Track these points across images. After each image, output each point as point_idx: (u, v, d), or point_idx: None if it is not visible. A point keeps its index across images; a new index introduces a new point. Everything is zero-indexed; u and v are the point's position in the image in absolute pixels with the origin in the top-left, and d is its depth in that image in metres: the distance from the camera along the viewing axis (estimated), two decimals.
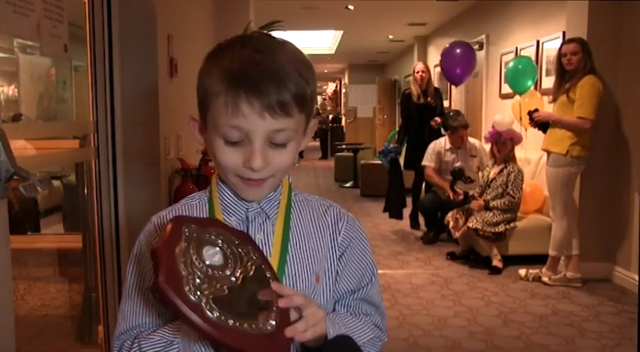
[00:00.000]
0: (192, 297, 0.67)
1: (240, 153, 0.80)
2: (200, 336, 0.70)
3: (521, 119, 4.29)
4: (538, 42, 4.96)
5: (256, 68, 0.77)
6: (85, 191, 2.27)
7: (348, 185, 8.97)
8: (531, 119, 3.79)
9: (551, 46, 4.67)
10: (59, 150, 2.11)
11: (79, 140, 2.19)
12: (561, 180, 3.61)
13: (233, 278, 0.73)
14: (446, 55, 5.36)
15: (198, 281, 0.69)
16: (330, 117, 15.61)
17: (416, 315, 3.28)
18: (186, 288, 0.68)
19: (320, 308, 0.80)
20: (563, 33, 4.18)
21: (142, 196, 2.32)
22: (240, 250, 0.77)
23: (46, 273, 2.63)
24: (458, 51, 5.25)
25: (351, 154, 9.27)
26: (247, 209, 0.88)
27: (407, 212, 5.61)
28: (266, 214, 0.88)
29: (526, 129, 4.39)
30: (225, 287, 0.71)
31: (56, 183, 2.61)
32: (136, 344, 0.83)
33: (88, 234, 2.26)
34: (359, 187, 8.19)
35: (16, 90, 2.53)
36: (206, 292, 0.69)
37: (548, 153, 3.69)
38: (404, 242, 5.17)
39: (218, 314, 0.68)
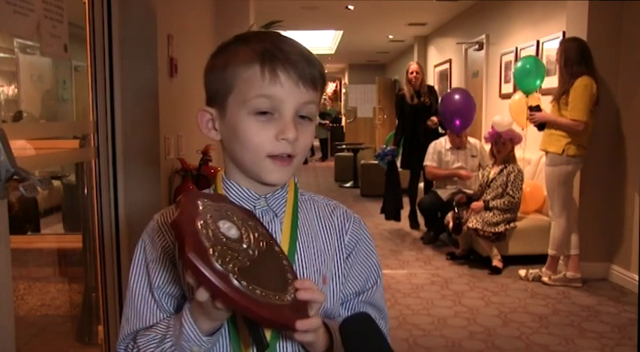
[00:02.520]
0: (219, 267, 0.67)
1: (270, 127, 0.80)
2: (228, 305, 0.69)
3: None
4: (538, 42, 4.96)
5: (288, 45, 0.82)
6: (85, 191, 2.27)
7: (348, 185, 8.97)
8: (531, 115, 3.80)
9: (551, 46, 4.67)
10: (59, 150, 2.10)
11: (79, 140, 2.19)
12: (558, 178, 3.63)
13: (250, 252, 0.73)
14: (445, 102, 5.13)
15: (222, 252, 0.69)
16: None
17: (416, 315, 3.28)
18: (213, 258, 0.67)
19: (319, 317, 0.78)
20: (563, 33, 4.18)
21: (142, 196, 2.32)
22: (250, 225, 0.77)
23: (46, 273, 2.63)
24: (457, 97, 5.03)
25: (351, 154, 9.27)
26: (254, 206, 0.87)
27: (406, 212, 5.61)
28: (274, 212, 0.87)
29: (523, 129, 4.39)
30: (245, 259, 0.72)
31: (56, 183, 2.61)
32: (134, 343, 0.83)
33: (88, 234, 2.26)
34: (359, 187, 8.19)
35: (16, 90, 2.54)
36: (231, 264, 0.69)
37: (546, 152, 3.70)
38: (404, 242, 5.17)
39: (245, 283, 0.68)
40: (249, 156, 0.82)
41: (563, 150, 3.55)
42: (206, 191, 0.92)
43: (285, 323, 0.70)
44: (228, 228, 0.74)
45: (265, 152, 0.81)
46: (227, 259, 0.69)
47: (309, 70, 0.81)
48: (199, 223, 0.70)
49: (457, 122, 4.83)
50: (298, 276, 0.84)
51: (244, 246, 0.73)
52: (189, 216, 0.71)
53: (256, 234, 0.77)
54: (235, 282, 0.67)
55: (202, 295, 0.69)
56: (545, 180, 3.78)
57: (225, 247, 0.70)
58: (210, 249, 0.68)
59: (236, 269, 0.69)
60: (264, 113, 0.80)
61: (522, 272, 3.94)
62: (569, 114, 3.50)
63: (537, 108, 3.81)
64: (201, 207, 0.73)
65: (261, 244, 0.76)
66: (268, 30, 0.95)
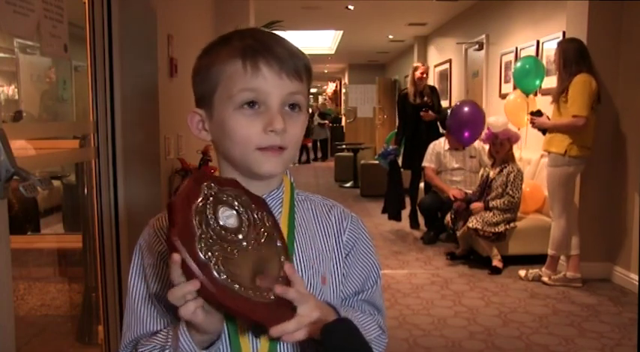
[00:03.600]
0: (202, 256, 0.67)
1: (258, 121, 0.80)
2: (204, 296, 0.68)
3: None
4: (538, 42, 4.96)
5: (270, 39, 0.83)
6: (85, 191, 2.27)
7: (348, 185, 8.97)
8: (532, 121, 3.80)
9: (551, 46, 4.67)
10: (59, 150, 2.10)
11: (79, 140, 2.19)
12: (559, 179, 3.62)
13: (244, 243, 0.72)
14: (454, 115, 4.95)
15: (210, 241, 0.69)
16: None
17: (416, 315, 3.28)
18: (198, 246, 0.67)
19: (317, 310, 0.76)
20: (563, 33, 4.18)
21: (142, 196, 2.32)
22: (255, 215, 0.76)
23: (46, 273, 2.63)
24: (466, 109, 4.89)
25: (351, 154, 9.27)
26: None
27: (406, 212, 5.62)
28: None
29: (519, 129, 4.39)
30: (235, 251, 0.71)
31: (56, 183, 2.61)
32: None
33: (88, 234, 2.26)
34: (359, 187, 8.19)
35: (16, 90, 2.54)
36: (216, 253, 0.68)
37: (548, 153, 3.70)
38: (404, 242, 5.17)
39: (225, 276, 0.68)
40: (239, 150, 0.82)
41: (566, 151, 3.54)
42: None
43: (260, 321, 0.70)
44: (228, 216, 0.72)
45: (254, 145, 0.81)
46: (214, 248, 0.68)
47: (292, 62, 0.82)
48: (195, 207, 0.70)
49: (466, 134, 4.77)
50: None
51: (240, 236, 0.72)
52: (187, 199, 0.70)
53: (259, 225, 0.75)
54: (215, 274, 0.67)
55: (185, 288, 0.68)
56: (546, 180, 3.78)
57: (216, 236, 0.70)
58: (198, 236, 0.68)
59: (220, 260, 0.68)
60: (250, 107, 0.80)
61: (522, 272, 3.93)
62: (570, 110, 3.49)
63: (538, 113, 3.79)
64: (203, 191, 0.72)
65: (261, 236, 0.74)
66: (254, 27, 0.95)
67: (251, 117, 0.80)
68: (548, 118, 3.77)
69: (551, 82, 4.39)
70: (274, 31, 0.88)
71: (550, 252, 3.79)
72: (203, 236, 0.68)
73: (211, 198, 0.72)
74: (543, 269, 3.84)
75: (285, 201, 0.89)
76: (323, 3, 6.95)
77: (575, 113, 3.46)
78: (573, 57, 3.54)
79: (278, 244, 0.77)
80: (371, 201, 7.27)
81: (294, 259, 0.85)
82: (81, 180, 2.33)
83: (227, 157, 0.86)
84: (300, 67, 0.83)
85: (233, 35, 0.84)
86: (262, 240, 0.75)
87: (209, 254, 0.68)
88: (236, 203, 0.75)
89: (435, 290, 3.75)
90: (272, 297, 0.71)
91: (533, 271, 3.87)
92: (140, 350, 0.82)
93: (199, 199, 0.71)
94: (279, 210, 0.88)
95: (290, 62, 0.81)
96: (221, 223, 0.72)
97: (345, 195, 8.03)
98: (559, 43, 3.72)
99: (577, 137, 3.53)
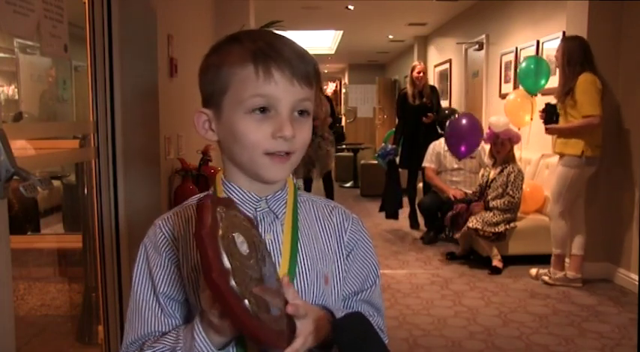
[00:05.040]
0: (237, 292, 0.67)
1: (267, 125, 0.80)
2: (236, 327, 0.70)
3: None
4: (538, 42, 4.96)
5: (280, 43, 0.82)
6: (85, 191, 2.27)
7: (348, 185, 8.98)
8: (546, 120, 3.75)
9: (551, 46, 4.67)
10: (59, 150, 2.10)
11: (79, 140, 2.19)
12: (570, 179, 3.59)
13: (256, 268, 0.73)
14: (452, 129, 4.85)
15: (240, 273, 0.69)
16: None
17: (416, 315, 3.28)
18: (233, 282, 0.68)
19: (312, 323, 0.78)
20: (563, 33, 4.18)
21: (142, 196, 2.32)
22: (253, 234, 0.77)
23: (46, 273, 2.63)
24: (464, 122, 4.79)
25: (351, 154, 9.27)
26: (255, 209, 0.86)
27: (406, 212, 5.62)
28: (274, 214, 0.87)
29: (519, 129, 4.39)
30: (254, 279, 0.72)
31: (56, 183, 2.61)
32: None
33: (88, 234, 2.26)
34: (359, 187, 8.19)
35: (16, 90, 2.54)
36: (244, 285, 0.69)
37: (561, 155, 3.66)
38: (404, 242, 5.17)
39: (256, 309, 0.69)
40: (247, 154, 0.82)
41: (582, 152, 3.51)
42: (210, 192, 0.91)
43: (276, 346, 0.72)
44: (242, 243, 0.73)
45: (262, 149, 0.81)
46: (243, 280, 0.69)
47: (303, 67, 0.82)
48: (220, 237, 0.70)
49: (462, 148, 4.75)
50: (299, 280, 0.86)
51: (251, 261, 0.73)
52: (211, 230, 0.69)
53: (261, 247, 0.76)
54: (247, 306, 0.68)
55: (215, 315, 0.72)
56: (556, 179, 3.71)
57: (240, 265, 0.70)
58: (232, 272, 0.68)
59: (249, 291, 0.69)
60: (261, 111, 0.80)
61: (533, 271, 3.91)
62: (581, 111, 3.46)
63: (553, 108, 3.73)
64: (219, 218, 0.72)
65: (261, 257, 0.75)
66: (260, 29, 0.96)
67: (260, 122, 0.80)
68: (558, 114, 3.71)
69: (552, 81, 4.39)
70: (278, 32, 0.88)
71: (555, 251, 3.77)
72: (234, 270, 0.69)
73: (226, 225, 0.72)
74: (551, 269, 3.82)
75: (288, 202, 0.89)
76: (323, 3, 6.95)
77: (588, 113, 3.43)
78: (578, 57, 3.51)
79: (271, 260, 0.78)
80: (371, 201, 7.26)
81: (298, 260, 0.86)
82: (81, 180, 2.33)
83: (233, 159, 0.86)
84: (310, 72, 0.83)
85: (244, 36, 0.84)
86: (265, 261, 0.76)
87: (240, 286, 0.68)
88: (241, 226, 0.75)
89: (435, 290, 3.75)
90: (284, 322, 0.73)
91: (543, 272, 3.85)
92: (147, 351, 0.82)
93: (219, 227, 0.71)
94: (283, 210, 0.88)
95: (301, 67, 0.81)
96: (240, 251, 0.72)
97: (345, 195, 8.03)
98: (563, 41, 3.68)
99: (589, 137, 3.50)
